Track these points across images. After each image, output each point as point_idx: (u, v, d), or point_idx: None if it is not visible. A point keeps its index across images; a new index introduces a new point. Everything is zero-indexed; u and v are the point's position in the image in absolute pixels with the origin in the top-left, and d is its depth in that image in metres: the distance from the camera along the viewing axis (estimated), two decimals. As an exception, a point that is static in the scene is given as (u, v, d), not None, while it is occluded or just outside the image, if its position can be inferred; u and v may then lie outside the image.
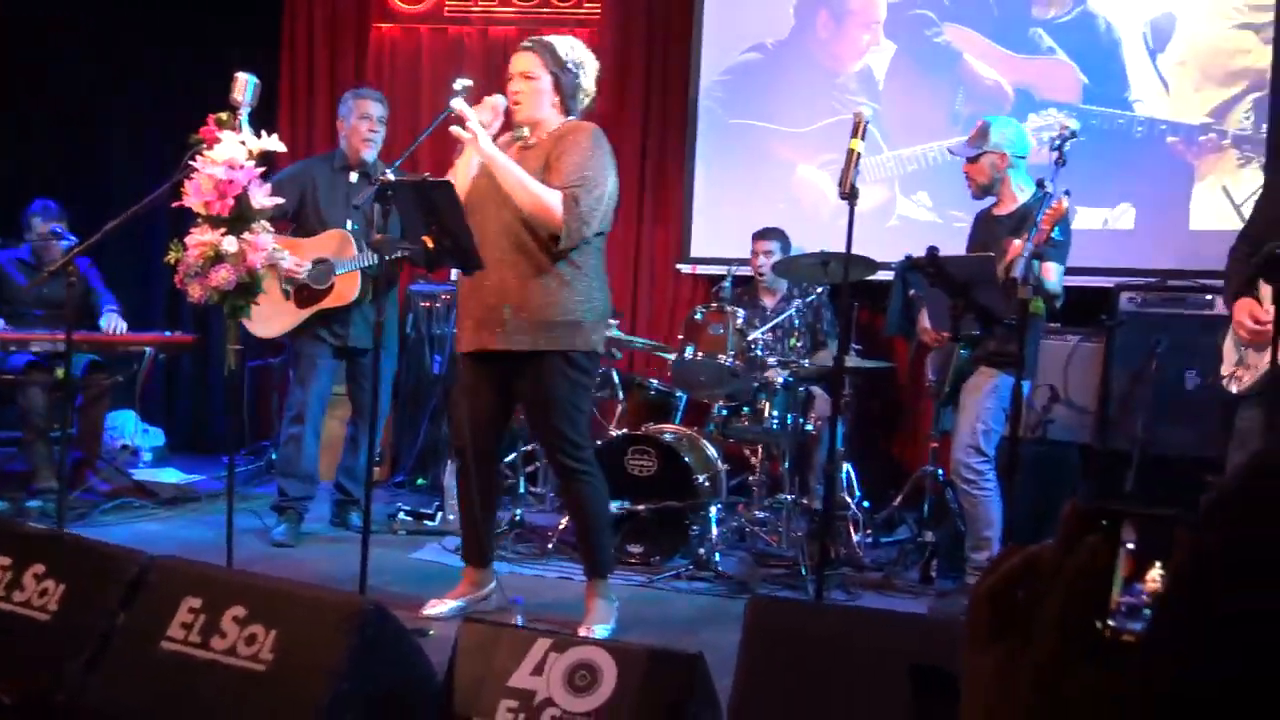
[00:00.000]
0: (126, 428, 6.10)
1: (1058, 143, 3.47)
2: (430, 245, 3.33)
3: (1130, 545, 0.61)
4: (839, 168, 5.78)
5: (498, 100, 3.52)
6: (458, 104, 3.39)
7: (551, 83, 3.53)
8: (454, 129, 3.39)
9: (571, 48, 3.60)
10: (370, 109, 4.80)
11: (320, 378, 4.77)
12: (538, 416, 3.62)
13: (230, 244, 3.45)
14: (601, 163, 3.50)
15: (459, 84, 3.58)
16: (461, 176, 3.57)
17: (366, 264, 4.56)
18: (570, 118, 3.60)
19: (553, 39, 3.62)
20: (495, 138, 3.51)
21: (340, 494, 5.00)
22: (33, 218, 5.46)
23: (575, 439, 3.58)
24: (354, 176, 4.76)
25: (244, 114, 3.60)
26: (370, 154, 4.77)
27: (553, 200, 3.39)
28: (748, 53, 6.26)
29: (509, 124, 3.62)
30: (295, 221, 4.75)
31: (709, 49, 6.29)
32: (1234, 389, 3.45)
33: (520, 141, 3.62)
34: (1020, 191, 4.15)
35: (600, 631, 3.51)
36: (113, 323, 5.35)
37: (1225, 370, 3.50)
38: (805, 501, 4.84)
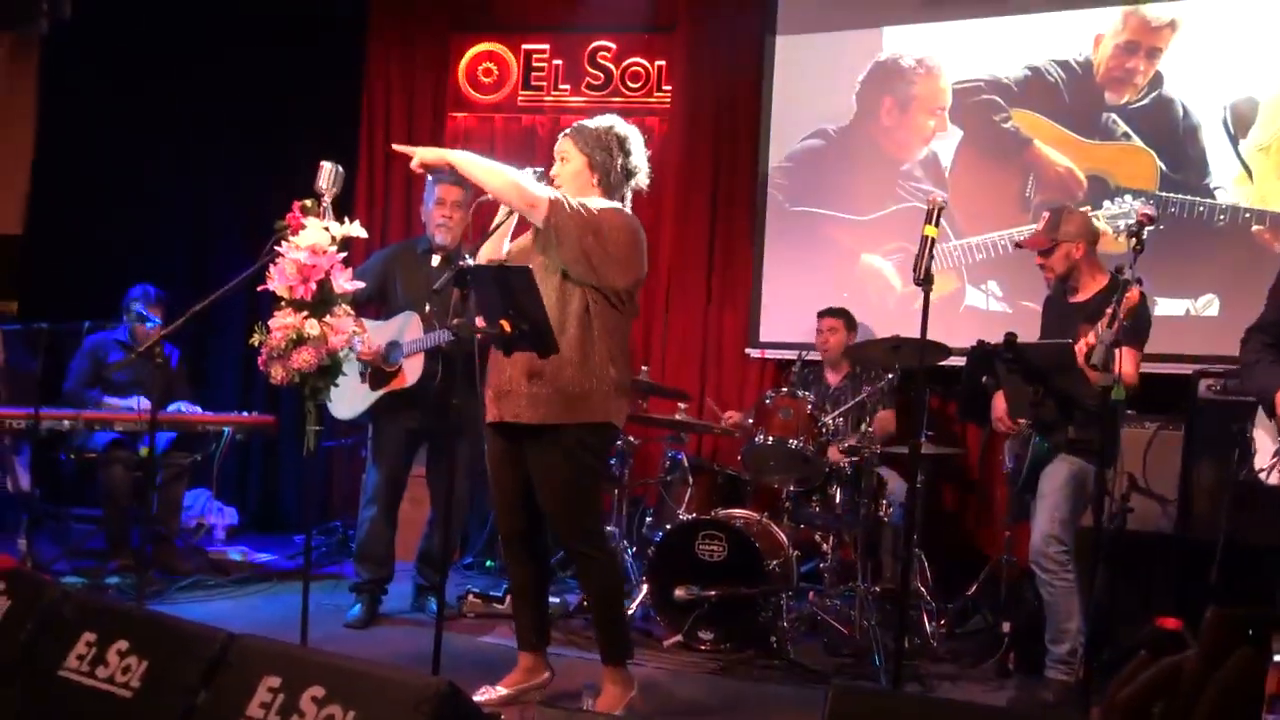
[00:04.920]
0: (201, 505, 6.21)
1: (1135, 229, 3.44)
2: (507, 329, 3.37)
3: (1279, 658, 0.57)
4: (904, 256, 5.92)
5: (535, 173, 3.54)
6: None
7: (585, 163, 3.56)
8: (415, 166, 3.50)
9: (609, 126, 3.60)
10: (445, 194, 4.78)
11: (394, 461, 4.79)
12: (545, 494, 3.53)
13: (312, 327, 3.53)
14: (622, 228, 3.48)
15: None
16: (488, 250, 3.62)
17: (429, 346, 4.54)
18: (616, 201, 3.59)
19: (589, 120, 3.63)
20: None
21: (420, 578, 5.00)
22: (132, 302, 5.65)
23: (583, 519, 3.53)
24: (435, 260, 4.76)
25: (327, 201, 3.71)
26: (444, 238, 4.75)
27: (527, 181, 3.38)
28: (809, 139, 6.31)
29: None
30: (383, 306, 4.82)
31: (772, 135, 6.37)
32: (1275, 480, 3.33)
33: None
34: (1094, 279, 4.12)
35: None
36: (184, 410, 5.52)
37: (1264, 462, 3.35)
38: (877, 589, 4.77)
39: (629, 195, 3.65)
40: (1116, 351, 3.29)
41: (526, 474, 3.57)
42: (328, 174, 3.68)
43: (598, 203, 3.54)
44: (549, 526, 3.56)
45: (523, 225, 3.71)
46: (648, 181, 3.71)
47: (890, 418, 5.29)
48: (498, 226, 3.62)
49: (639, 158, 3.64)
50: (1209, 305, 5.36)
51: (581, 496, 3.53)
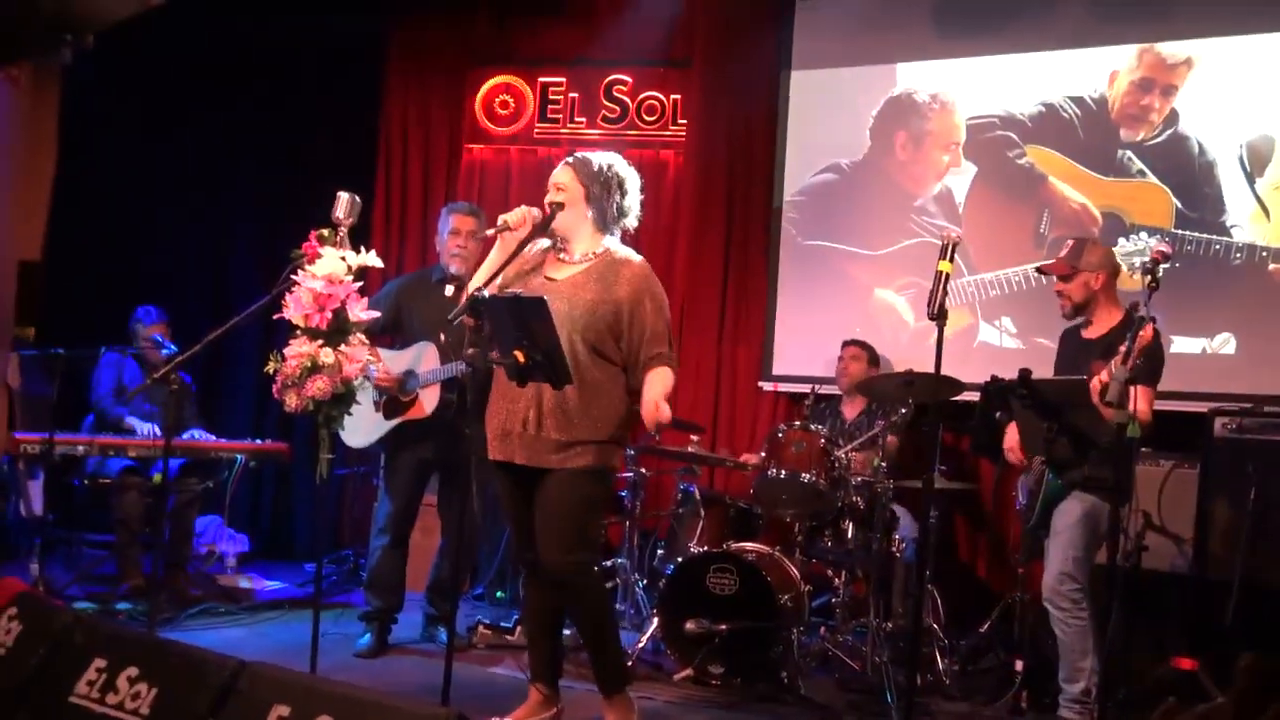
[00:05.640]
0: (212, 532, 6.22)
1: (1150, 266, 3.44)
2: (521, 359, 3.38)
3: None
4: (917, 292, 5.92)
5: (526, 210, 3.59)
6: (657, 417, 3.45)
7: (582, 195, 3.58)
8: (655, 419, 3.44)
9: (609, 164, 3.62)
10: (459, 223, 4.79)
11: (406, 491, 4.78)
12: (549, 526, 3.51)
13: (327, 355, 3.54)
14: (666, 302, 3.63)
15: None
16: (481, 276, 3.61)
17: (446, 376, 4.56)
18: (606, 236, 3.63)
19: (592, 154, 3.66)
20: (527, 242, 3.57)
21: (430, 608, 4.97)
22: (136, 323, 5.73)
23: (576, 551, 3.51)
24: (449, 290, 4.77)
25: (344, 230, 3.73)
26: (458, 268, 4.75)
27: (670, 382, 3.50)
28: (822, 173, 6.34)
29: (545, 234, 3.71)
30: (396, 335, 4.84)
31: (787, 170, 6.40)
32: None
33: (560, 255, 3.64)
34: (1110, 314, 4.12)
35: None
36: (197, 436, 5.56)
37: None
38: (889, 625, 4.74)
39: (618, 234, 3.68)
40: (1131, 389, 3.29)
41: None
42: (345, 204, 3.70)
43: (647, 276, 3.59)
44: (540, 555, 3.52)
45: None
46: (636, 224, 3.73)
47: (894, 444, 5.26)
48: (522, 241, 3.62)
49: (634, 200, 3.67)
50: (1225, 344, 5.34)
51: (578, 529, 3.52)
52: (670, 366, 3.52)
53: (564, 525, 3.49)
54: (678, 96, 6.78)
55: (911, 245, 6.05)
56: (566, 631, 4.08)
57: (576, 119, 6.94)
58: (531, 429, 3.49)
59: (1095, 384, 3.58)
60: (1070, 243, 4.22)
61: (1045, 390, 3.60)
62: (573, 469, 3.47)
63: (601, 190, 3.58)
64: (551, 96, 6.99)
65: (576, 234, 3.61)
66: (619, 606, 5.39)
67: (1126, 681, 4.30)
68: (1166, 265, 3.51)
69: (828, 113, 6.35)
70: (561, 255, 3.65)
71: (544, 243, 3.67)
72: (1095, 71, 5.70)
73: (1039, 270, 4.30)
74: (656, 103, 6.82)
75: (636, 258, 3.63)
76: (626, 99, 6.86)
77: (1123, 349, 3.35)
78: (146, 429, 5.46)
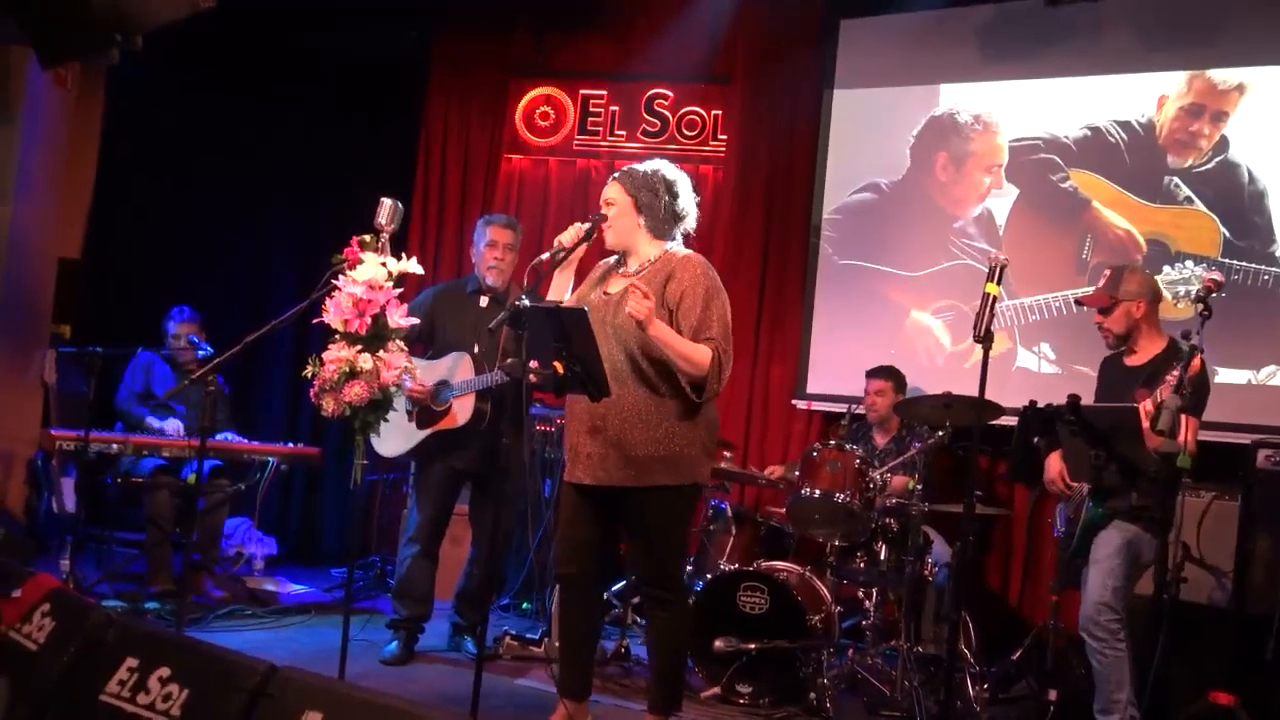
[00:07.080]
0: (241, 534, 6.23)
1: (1201, 295, 3.38)
2: (560, 371, 3.36)
3: None
4: (955, 315, 5.87)
5: (579, 226, 3.60)
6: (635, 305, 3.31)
7: (631, 204, 3.56)
8: (630, 309, 3.29)
9: (654, 169, 3.60)
10: (496, 235, 4.77)
11: (438, 500, 4.76)
12: (638, 546, 3.59)
13: (366, 361, 3.54)
14: (726, 302, 3.54)
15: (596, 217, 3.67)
16: (554, 296, 3.64)
17: (481, 387, 4.55)
18: (666, 242, 3.60)
19: (638, 164, 3.64)
20: (570, 252, 3.58)
21: (458, 617, 4.94)
22: (168, 321, 5.76)
23: (670, 570, 3.55)
24: (484, 301, 4.76)
25: (386, 236, 3.72)
26: (495, 280, 4.74)
27: (704, 359, 3.39)
28: (860, 192, 6.29)
29: (602, 251, 3.71)
30: (429, 344, 4.83)
31: (826, 188, 6.36)
32: None
33: (620, 270, 3.65)
34: (1153, 342, 4.06)
35: None
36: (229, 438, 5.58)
37: None
38: (920, 649, 4.67)
39: (678, 238, 3.65)
40: (1181, 418, 3.23)
41: (606, 527, 3.60)
42: (387, 210, 3.70)
43: (702, 270, 3.52)
44: (638, 571, 3.58)
45: (583, 268, 3.73)
46: (694, 225, 3.70)
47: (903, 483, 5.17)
48: (560, 258, 3.61)
49: (687, 201, 3.63)
50: (1272, 376, 5.23)
51: (675, 546, 3.60)
52: (714, 349, 3.40)
53: (657, 546, 3.52)
54: (719, 112, 6.77)
55: (950, 268, 6.00)
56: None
57: (616, 132, 6.94)
58: (605, 448, 3.46)
59: (1143, 412, 3.52)
60: (1108, 272, 4.15)
61: (1094, 418, 3.55)
62: (655, 487, 3.45)
63: (650, 196, 3.56)
64: (592, 109, 7.00)
65: (634, 245, 3.60)
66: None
67: (1162, 716, 4.23)
68: (1218, 294, 3.46)
69: (869, 131, 6.31)
70: (621, 270, 3.64)
71: (611, 260, 3.69)
72: (1143, 96, 5.63)
73: (1077, 302, 4.23)
74: (697, 117, 6.82)
75: (694, 255, 3.58)
76: (667, 113, 6.86)
77: (1170, 378, 3.30)
78: (171, 428, 5.47)
